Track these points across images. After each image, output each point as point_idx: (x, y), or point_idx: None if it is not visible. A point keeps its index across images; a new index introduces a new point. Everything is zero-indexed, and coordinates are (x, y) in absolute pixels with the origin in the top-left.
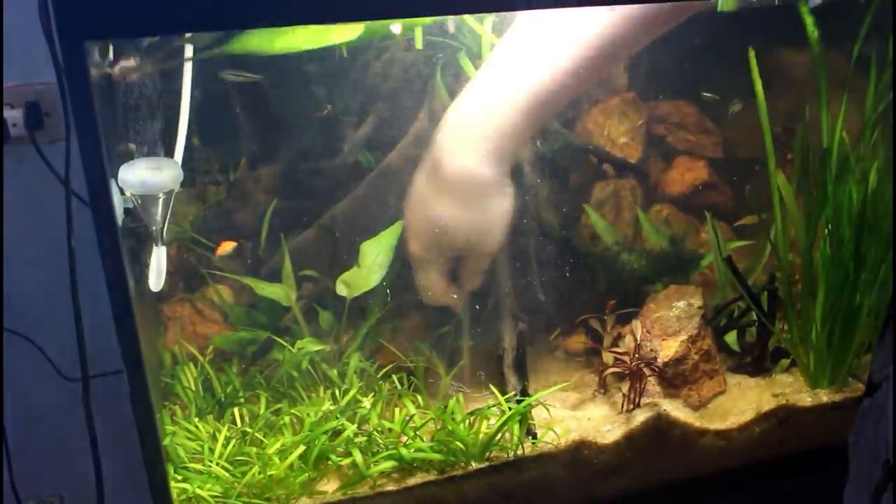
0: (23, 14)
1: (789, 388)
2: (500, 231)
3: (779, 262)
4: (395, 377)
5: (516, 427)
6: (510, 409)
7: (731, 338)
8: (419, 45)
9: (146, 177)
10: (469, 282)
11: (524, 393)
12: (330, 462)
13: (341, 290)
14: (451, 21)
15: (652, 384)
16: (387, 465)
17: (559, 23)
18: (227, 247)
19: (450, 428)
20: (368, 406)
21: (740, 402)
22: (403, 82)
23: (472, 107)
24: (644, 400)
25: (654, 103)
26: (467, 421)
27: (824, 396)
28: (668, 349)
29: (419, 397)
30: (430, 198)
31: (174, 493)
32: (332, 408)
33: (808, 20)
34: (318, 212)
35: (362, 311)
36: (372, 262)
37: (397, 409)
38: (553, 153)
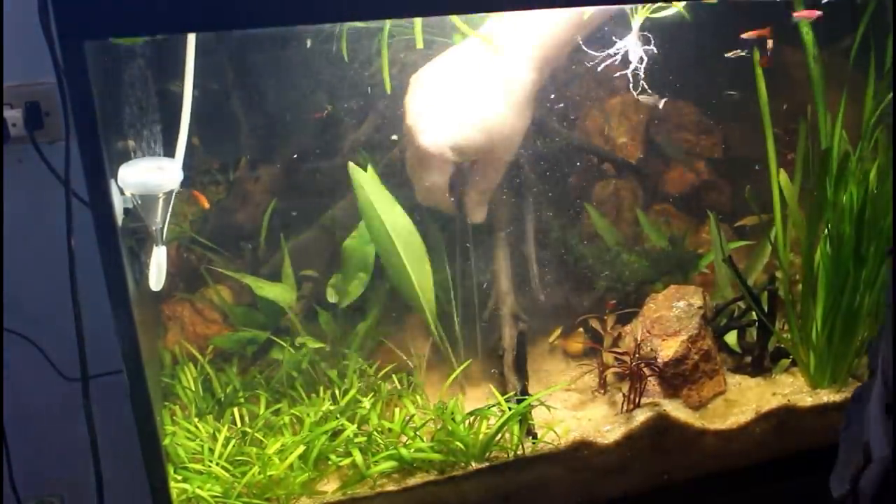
0: (23, 14)
1: (789, 389)
2: (519, 135)
3: (779, 262)
4: (394, 377)
5: (516, 427)
6: (510, 409)
7: (731, 338)
8: (420, 44)
9: (146, 177)
10: (480, 189)
11: (524, 393)
12: (330, 462)
13: (332, 296)
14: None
15: (652, 384)
16: (387, 465)
17: None
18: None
19: (450, 428)
20: (368, 406)
21: (740, 403)
22: (402, 82)
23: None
24: (644, 400)
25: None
26: (467, 421)
27: (825, 396)
28: (668, 349)
29: (419, 397)
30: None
31: (174, 493)
32: (332, 408)
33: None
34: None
35: (361, 312)
36: (354, 266)
37: (397, 409)
38: (553, 153)
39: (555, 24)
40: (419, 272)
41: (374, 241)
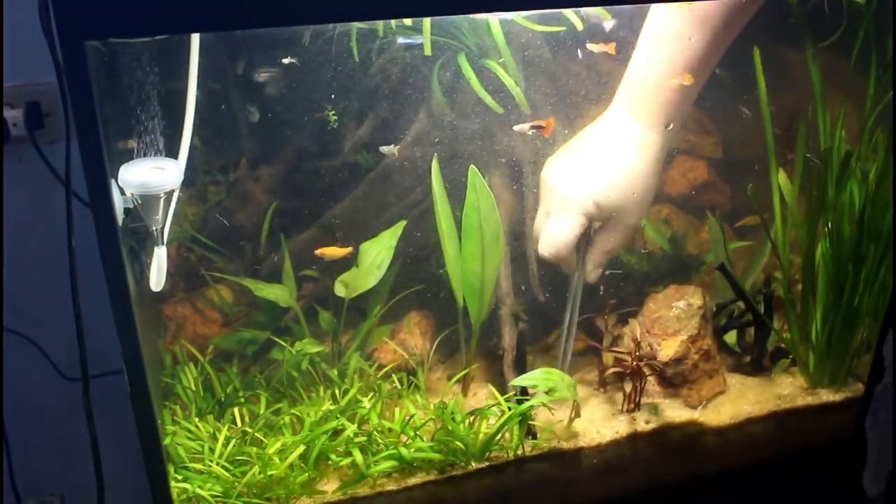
0: (23, 14)
1: (789, 388)
2: (650, 198)
3: (779, 262)
4: (394, 377)
5: (516, 427)
6: (510, 409)
7: (730, 337)
8: (428, 51)
9: (146, 177)
10: (603, 250)
11: (524, 393)
12: (330, 462)
13: (340, 290)
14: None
15: (652, 384)
16: (387, 464)
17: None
18: (334, 252)
19: (450, 428)
20: (368, 406)
21: (740, 402)
22: (403, 82)
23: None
24: (644, 400)
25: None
26: (467, 421)
27: (824, 396)
28: (668, 349)
29: (419, 397)
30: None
31: (174, 493)
32: (332, 408)
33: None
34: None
35: (362, 312)
36: (371, 263)
37: (397, 409)
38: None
39: (684, 92)
40: (490, 278)
41: (465, 240)
